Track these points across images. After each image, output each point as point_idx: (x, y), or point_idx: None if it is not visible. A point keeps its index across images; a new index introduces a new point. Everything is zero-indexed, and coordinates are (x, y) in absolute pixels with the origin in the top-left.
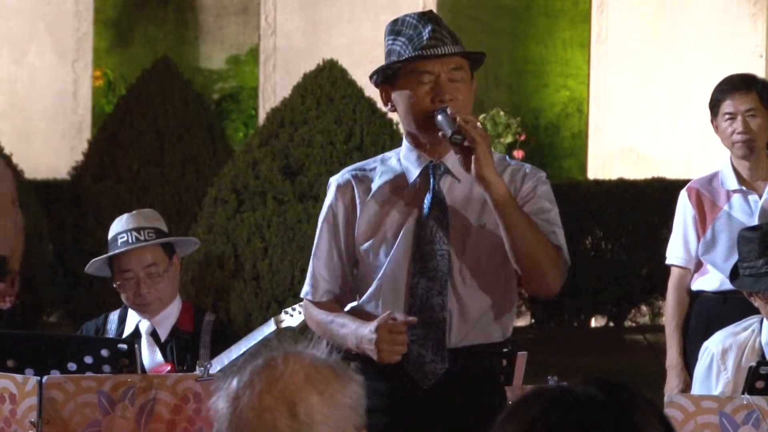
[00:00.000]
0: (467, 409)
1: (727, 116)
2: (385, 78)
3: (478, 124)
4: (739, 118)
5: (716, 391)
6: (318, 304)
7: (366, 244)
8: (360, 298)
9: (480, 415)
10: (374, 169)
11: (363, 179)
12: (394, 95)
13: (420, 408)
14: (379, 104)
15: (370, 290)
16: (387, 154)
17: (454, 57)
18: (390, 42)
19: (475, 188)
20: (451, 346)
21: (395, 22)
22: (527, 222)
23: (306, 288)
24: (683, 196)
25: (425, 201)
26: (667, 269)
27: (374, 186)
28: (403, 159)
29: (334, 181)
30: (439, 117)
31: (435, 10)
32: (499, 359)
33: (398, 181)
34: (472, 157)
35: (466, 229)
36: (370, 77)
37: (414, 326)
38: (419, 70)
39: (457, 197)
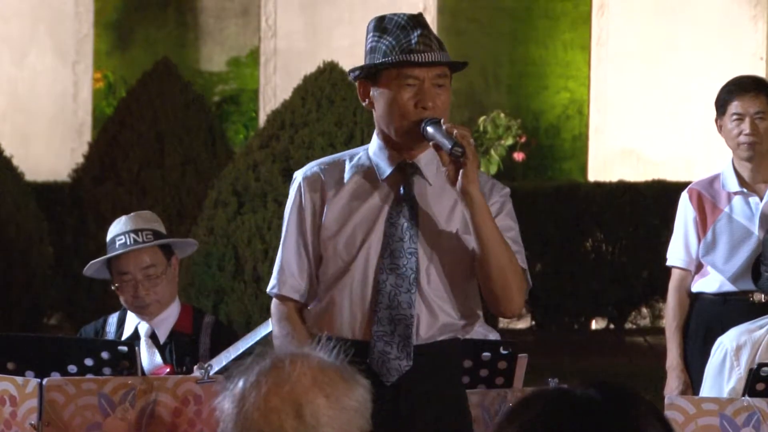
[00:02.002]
0: (430, 405)
1: (735, 117)
2: (366, 74)
3: (471, 140)
4: (748, 119)
5: (728, 387)
6: (283, 302)
7: (333, 238)
8: (325, 292)
9: (443, 412)
10: (343, 164)
11: (332, 173)
12: (374, 93)
13: (382, 404)
14: None
15: (336, 284)
16: (354, 150)
17: (440, 64)
18: (375, 39)
19: (446, 192)
20: (417, 344)
21: (382, 19)
22: (502, 242)
23: (272, 282)
24: (684, 197)
25: (397, 199)
26: (667, 271)
27: (344, 181)
28: (373, 156)
29: (299, 174)
30: (430, 128)
31: (435, 12)
32: (458, 355)
33: (368, 177)
34: (460, 171)
35: (435, 230)
36: (351, 71)
37: (380, 322)
38: (406, 74)
39: (427, 199)
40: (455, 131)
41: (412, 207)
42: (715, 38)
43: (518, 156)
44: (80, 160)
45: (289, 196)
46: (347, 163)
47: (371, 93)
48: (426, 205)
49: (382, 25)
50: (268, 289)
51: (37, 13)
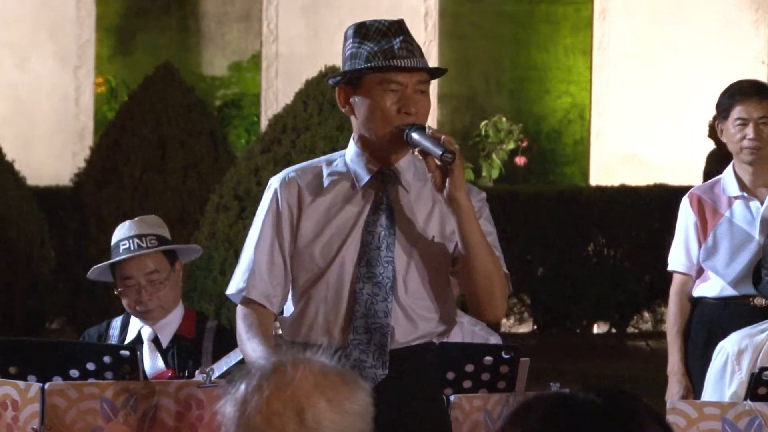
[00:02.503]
0: (407, 410)
1: (738, 122)
2: (347, 80)
3: (457, 146)
4: (751, 124)
5: (729, 391)
6: (249, 306)
7: (309, 246)
8: (300, 299)
9: (420, 419)
10: (320, 170)
11: (309, 180)
12: (355, 99)
13: None
14: None
15: (312, 292)
16: (332, 155)
17: (424, 70)
18: (355, 45)
19: (423, 198)
20: (392, 347)
21: (362, 25)
22: (488, 248)
23: (240, 285)
24: (685, 202)
25: (374, 207)
26: (669, 275)
27: (321, 187)
28: (350, 162)
29: (275, 180)
30: (415, 134)
31: (437, 17)
32: (432, 358)
33: (346, 184)
34: (447, 178)
35: (412, 238)
36: (330, 77)
37: (357, 331)
38: (389, 79)
39: (404, 206)
40: (442, 137)
41: (390, 215)
42: (717, 43)
43: (520, 160)
44: (82, 164)
45: (263, 201)
46: (324, 169)
47: (351, 99)
48: (403, 213)
49: (362, 32)
50: (231, 291)
51: (39, 18)
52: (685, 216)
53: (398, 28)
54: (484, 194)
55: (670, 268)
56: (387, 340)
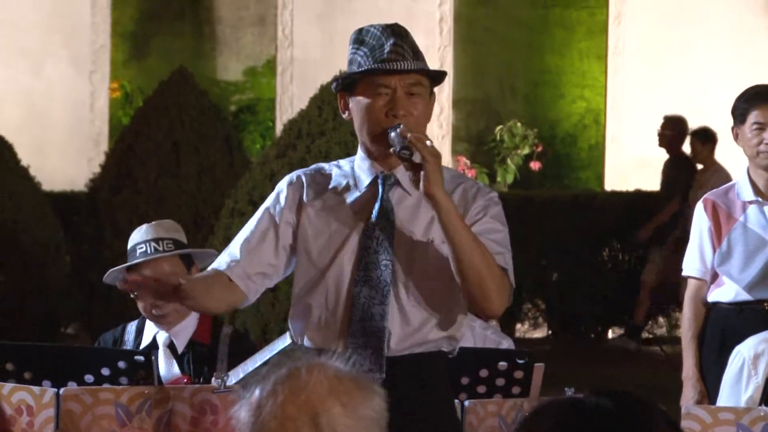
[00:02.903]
0: (405, 418)
1: (755, 126)
2: (344, 86)
3: (428, 142)
4: None
5: (745, 396)
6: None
7: (308, 245)
8: (300, 300)
9: (419, 425)
10: (329, 173)
11: (316, 181)
12: (352, 104)
13: None
14: None
15: (311, 294)
16: (343, 160)
17: (412, 73)
18: (353, 51)
19: (424, 203)
20: (390, 355)
21: (360, 31)
22: (474, 242)
23: (218, 261)
24: (699, 207)
25: (373, 211)
26: (684, 281)
27: (326, 189)
28: (356, 166)
29: (286, 178)
30: (392, 134)
31: (451, 22)
32: (441, 368)
33: (349, 187)
34: (421, 174)
35: (413, 242)
36: (333, 84)
37: (354, 335)
38: (377, 82)
39: (405, 210)
40: (409, 135)
41: (389, 219)
42: (732, 47)
43: (535, 165)
44: (97, 169)
45: (270, 195)
46: (333, 172)
47: (350, 104)
48: (404, 216)
49: (360, 37)
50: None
51: (54, 24)
52: (700, 221)
53: (392, 31)
54: (494, 194)
55: (684, 273)
56: (383, 344)
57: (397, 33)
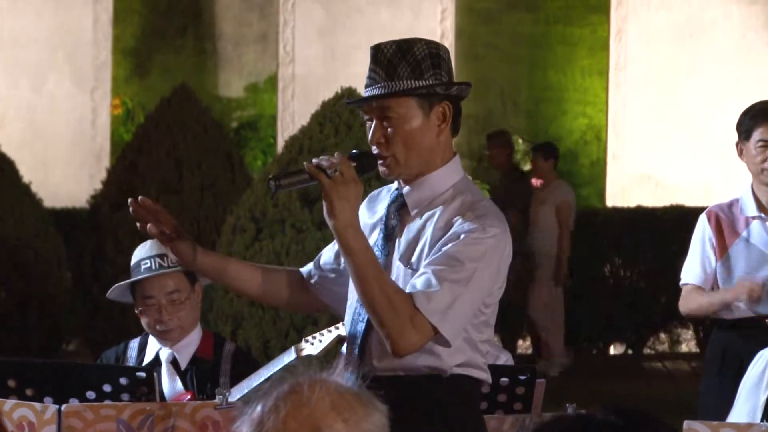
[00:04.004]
0: None
1: (760, 143)
2: None
3: (331, 167)
4: None
5: (763, 397)
6: None
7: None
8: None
9: None
10: (385, 190)
11: (373, 197)
12: None
13: None
14: None
15: (344, 311)
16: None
17: (377, 99)
18: None
19: (424, 224)
20: (377, 374)
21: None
22: (371, 276)
23: None
24: (703, 219)
25: (379, 228)
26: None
27: (372, 207)
28: (393, 186)
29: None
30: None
31: (453, 38)
32: (441, 389)
33: (383, 204)
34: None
35: (406, 262)
36: None
37: (349, 352)
38: (362, 111)
39: (409, 229)
40: (305, 164)
41: (388, 236)
42: (734, 63)
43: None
44: (98, 186)
45: None
46: (385, 190)
47: None
48: (407, 236)
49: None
50: None
51: (56, 40)
52: (702, 231)
53: (373, 56)
54: (492, 231)
55: (683, 281)
56: (359, 362)
57: (374, 55)
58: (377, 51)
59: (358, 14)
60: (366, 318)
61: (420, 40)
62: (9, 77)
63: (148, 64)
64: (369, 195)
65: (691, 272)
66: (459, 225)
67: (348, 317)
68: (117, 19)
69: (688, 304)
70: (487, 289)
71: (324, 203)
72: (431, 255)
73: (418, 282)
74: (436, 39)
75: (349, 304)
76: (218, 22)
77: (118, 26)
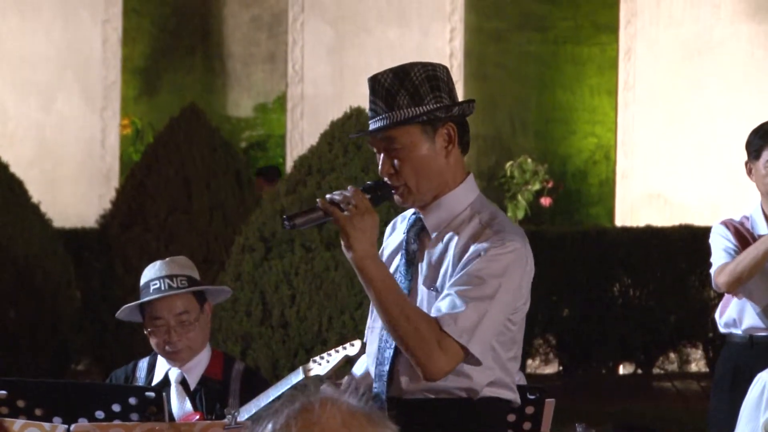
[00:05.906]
0: None
1: None
2: None
3: (351, 203)
4: None
5: (763, 418)
6: None
7: None
8: None
9: None
10: (406, 215)
11: (396, 222)
12: None
13: None
14: None
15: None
16: None
17: (379, 131)
18: None
19: (445, 248)
20: (404, 398)
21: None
22: (392, 305)
23: None
24: (721, 227)
25: (400, 254)
26: (694, 317)
27: (394, 231)
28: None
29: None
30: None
31: (462, 58)
32: (471, 413)
33: (401, 228)
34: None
35: (428, 287)
36: None
37: (375, 378)
38: (371, 143)
39: (430, 253)
40: (318, 201)
41: (410, 261)
42: (742, 82)
43: (545, 201)
44: (108, 205)
45: None
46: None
47: None
48: (427, 260)
49: None
50: None
51: (65, 59)
52: (724, 235)
53: (371, 87)
54: (511, 246)
55: (714, 267)
56: (385, 389)
57: (373, 87)
58: (375, 82)
59: (366, 34)
60: (393, 344)
61: (416, 64)
62: (18, 97)
63: (157, 84)
64: (393, 221)
65: (719, 259)
66: (478, 244)
67: (374, 344)
68: (126, 38)
69: (726, 269)
70: (512, 302)
71: (341, 237)
72: (454, 275)
73: (442, 305)
74: (445, 58)
75: (374, 330)
76: (227, 42)
77: (127, 46)
